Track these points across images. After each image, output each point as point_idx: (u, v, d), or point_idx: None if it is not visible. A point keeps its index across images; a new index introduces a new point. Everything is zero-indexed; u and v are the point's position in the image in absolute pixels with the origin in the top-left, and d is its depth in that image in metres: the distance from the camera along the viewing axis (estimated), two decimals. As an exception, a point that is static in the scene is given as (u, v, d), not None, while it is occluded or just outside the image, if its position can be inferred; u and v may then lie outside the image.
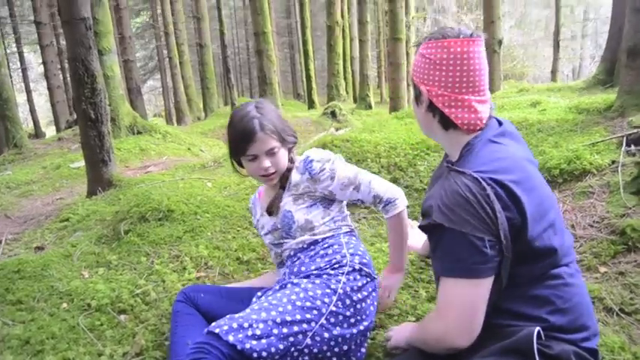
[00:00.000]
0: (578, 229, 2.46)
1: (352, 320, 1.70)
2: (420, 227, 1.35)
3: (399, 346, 1.78)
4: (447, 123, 1.41)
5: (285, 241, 1.96)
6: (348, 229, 2.00)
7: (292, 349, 1.55)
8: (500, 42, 9.55)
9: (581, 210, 2.57)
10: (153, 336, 2.15)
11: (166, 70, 20.35)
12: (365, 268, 1.85)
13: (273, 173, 1.90)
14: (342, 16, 16.64)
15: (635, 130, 2.88)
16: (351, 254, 1.86)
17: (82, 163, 4.79)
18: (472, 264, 1.23)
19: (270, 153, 1.87)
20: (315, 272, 1.80)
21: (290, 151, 1.98)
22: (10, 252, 3.21)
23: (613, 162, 2.75)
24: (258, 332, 1.50)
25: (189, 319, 1.88)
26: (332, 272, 1.78)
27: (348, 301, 1.71)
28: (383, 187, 1.91)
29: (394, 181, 3.15)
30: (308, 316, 1.60)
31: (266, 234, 2.03)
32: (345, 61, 17.94)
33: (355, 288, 1.75)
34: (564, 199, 2.68)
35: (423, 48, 1.41)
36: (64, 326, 2.22)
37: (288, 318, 1.57)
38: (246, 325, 1.50)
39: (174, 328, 1.87)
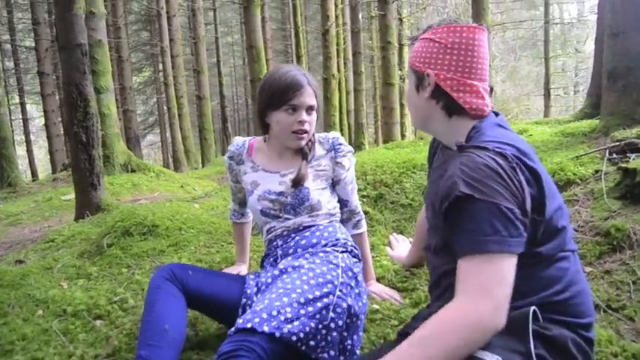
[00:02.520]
0: (564, 235, 2.44)
1: (357, 291, 1.75)
2: (443, 210, 1.23)
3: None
4: (452, 108, 1.37)
5: (286, 216, 1.93)
6: (339, 218, 2.06)
7: (320, 326, 1.55)
8: (491, 89, 9.78)
9: (566, 217, 2.56)
10: (127, 339, 2.08)
11: (166, 125, 20.71)
12: (355, 251, 1.93)
13: (306, 132, 1.89)
14: (339, 70, 17.10)
15: (617, 143, 2.91)
16: (344, 238, 1.93)
17: (73, 195, 4.77)
18: (509, 237, 1.14)
19: (310, 110, 1.89)
20: (310, 250, 1.83)
21: None
22: (-10, 268, 3.15)
23: (596, 172, 2.77)
24: (289, 316, 1.49)
25: (172, 302, 1.71)
26: (328, 250, 1.83)
27: (350, 273, 1.76)
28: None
29: (380, 197, 3.15)
30: (325, 290, 1.62)
31: (263, 199, 1.93)
32: (341, 113, 18.26)
33: (351, 263, 1.82)
34: (549, 208, 2.68)
35: (431, 33, 1.40)
36: (37, 329, 2.16)
37: (310, 296, 1.57)
38: (274, 312, 1.48)
39: (152, 305, 1.69)
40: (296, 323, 1.48)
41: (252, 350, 1.38)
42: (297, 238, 1.91)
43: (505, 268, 1.14)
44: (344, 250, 1.86)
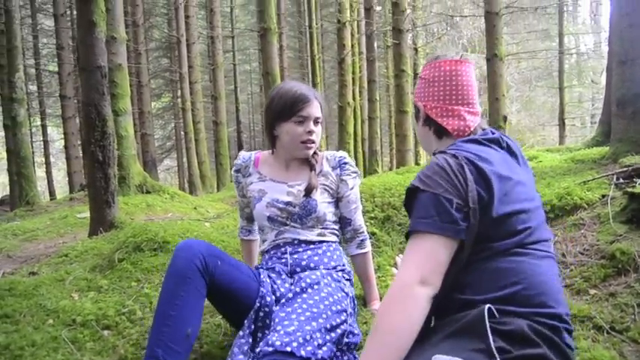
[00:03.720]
0: (569, 257, 2.44)
1: (355, 318, 1.92)
2: (403, 204, 1.46)
3: None
4: (440, 132, 1.58)
5: (293, 225, 2.01)
6: (346, 237, 2.19)
7: (338, 352, 1.70)
8: (505, 118, 9.79)
9: (572, 240, 2.56)
10: (133, 349, 2.13)
11: (183, 149, 20.98)
12: (351, 277, 2.09)
13: (314, 142, 2.02)
14: (354, 98, 17.28)
15: (625, 169, 2.92)
16: (345, 263, 2.08)
17: (88, 214, 4.86)
18: (440, 221, 1.29)
19: (316, 122, 2.04)
20: (324, 272, 1.94)
21: None
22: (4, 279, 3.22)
23: (603, 196, 2.78)
24: (320, 342, 1.60)
25: (197, 302, 1.68)
26: (338, 275, 1.97)
27: (352, 304, 1.93)
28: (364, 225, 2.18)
29: (387, 219, 3.18)
30: (343, 317, 1.76)
31: (272, 205, 2.01)
32: (355, 140, 18.39)
33: (352, 293, 1.99)
34: (555, 232, 2.68)
35: (422, 72, 1.65)
36: (46, 337, 2.21)
37: (334, 323, 1.70)
38: (308, 337, 1.57)
39: (177, 297, 1.64)
40: (325, 349, 1.60)
41: None
42: (309, 252, 1.99)
43: (433, 247, 1.28)
44: (348, 278, 2.03)
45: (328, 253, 2.01)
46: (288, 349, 1.50)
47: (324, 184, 2.05)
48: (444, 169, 1.34)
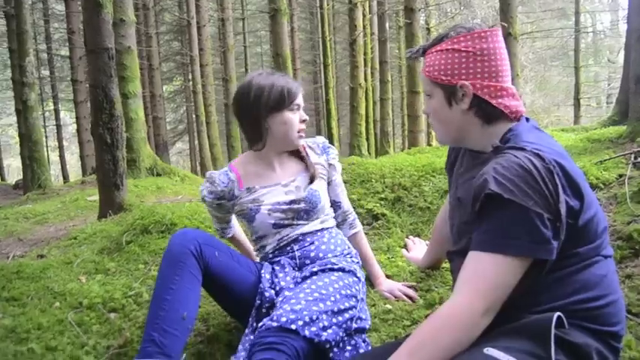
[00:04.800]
0: (584, 239, 2.37)
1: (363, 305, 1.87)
2: (477, 209, 1.20)
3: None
4: (491, 115, 1.34)
5: (300, 222, 1.93)
6: (338, 219, 2.14)
7: (345, 335, 1.66)
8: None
9: (588, 221, 2.49)
10: (139, 332, 2.10)
11: (194, 132, 20.99)
12: (360, 263, 2.08)
13: (304, 129, 1.98)
14: (366, 79, 17.12)
15: (644, 147, 2.82)
16: (350, 246, 2.06)
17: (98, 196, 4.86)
18: (530, 242, 1.11)
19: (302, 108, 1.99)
20: (334, 259, 1.90)
21: None
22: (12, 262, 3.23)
23: (620, 176, 2.69)
24: (325, 324, 1.57)
25: (193, 285, 1.67)
26: (348, 261, 1.94)
27: (364, 289, 1.91)
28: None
29: (398, 199, 3.12)
30: (352, 303, 1.73)
31: (275, 211, 1.91)
32: (367, 123, 18.26)
33: (364, 278, 1.97)
34: (571, 212, 2.61)
35: (453, 43, 1.35)
36: (53, 320, 2.20)
37: (342, 307, 1.66)
38: (314, 317, 1.54)
39: (172, 281, 1.65)
40: (330, 331, 1.56)
41: (294, 348, 1.44)
42: (316, 242, 1.93)
43: (509, 271, 1.13)
44: (357, 261, 2.01)
45: (332, 240, 1.97)
46: (293, 326, 1.48)
47: (320, 173, 2.02)
48: (530, 174, 1.13)
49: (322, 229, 1.97)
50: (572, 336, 1.12)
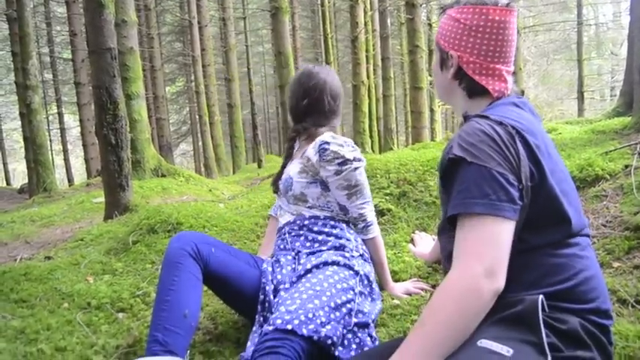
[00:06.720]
0: (592, 230, 2.36)
1: (372, 297, 1.86)
2: (441, 176, 1.24)
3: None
4: (473, 91, 1.36)
5: (281, 198, 2.10)
6: (347, 219, 2.07)
7: (344, 331, 1.62)
8: (522, 92, 9.62)
9: (594, 212, 2.48)
10: (148, 331, 2.10)
11: (198, 133, 21.01)
12: (366, 254, 2.01)
13: None
14: (368, 76, 17.07)
15: (650, 138, 2.81)
16: (355, 239, 2.00)
17: (104, 198, 4.87)
18: (497, 200, 1.11)
19: None
20: (330, 252, 1.90)
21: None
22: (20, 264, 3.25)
23: (626, 167, 2.68)
24: (323, 319, 1.54)
25: (193, 284, 1.71)
26: (347, 255, 1.90)
27: (366, 281, 1.86)
28: (371, 214, 2.06)
29: (403, 194, 3.12)
30: (349, 296, 1.70)
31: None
32: (370, 120, 18.20)
33: (367, 269, 1.92)
34: (577, 204, 2.60)
35: (457, 12, 1.36)
36: (61, 320, 2.21)
37: (338, 301, 1.64)
38: (310, 315, 1.52)
39: (171, 282, 1.68)
40: (329, 327, 1.53)
41: (293, 348, 1.42)
42: (305, 228, 1.98)
43: (494, 231, 1.12)
44: (358, 254, 1.95)
45: (326, 229, 1.97)
46: (289, 327, 1.46)
47: (305, 165, 2.01)
48: (491, 138, 1.15)
49: (316, 217, 1.99)
50: (556, 318, 1.12)
